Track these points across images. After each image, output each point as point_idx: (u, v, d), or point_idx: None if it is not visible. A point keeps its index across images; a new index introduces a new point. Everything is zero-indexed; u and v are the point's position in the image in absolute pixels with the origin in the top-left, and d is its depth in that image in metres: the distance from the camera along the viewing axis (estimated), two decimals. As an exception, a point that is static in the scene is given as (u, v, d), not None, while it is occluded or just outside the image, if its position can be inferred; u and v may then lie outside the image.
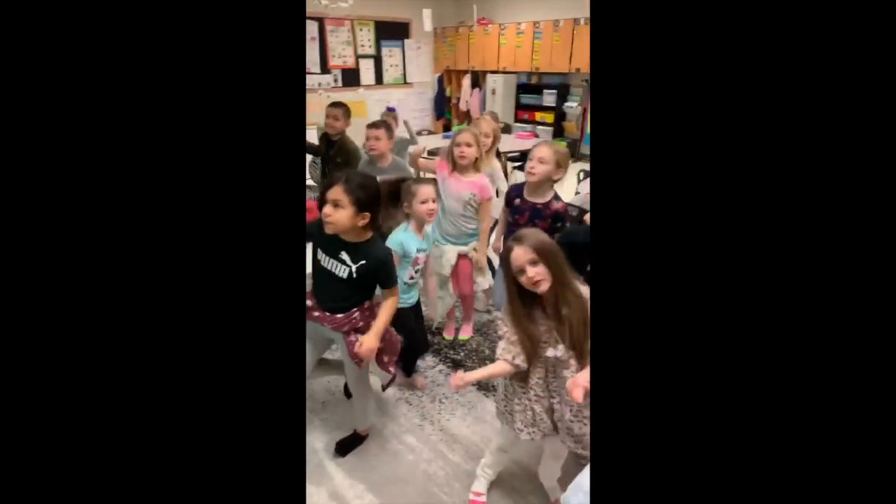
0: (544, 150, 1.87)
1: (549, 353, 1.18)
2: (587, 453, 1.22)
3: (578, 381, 1.07)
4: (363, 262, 1.43)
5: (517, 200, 1.96)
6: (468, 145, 2.00)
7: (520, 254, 1.12)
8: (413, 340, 1.93)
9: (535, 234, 1.16)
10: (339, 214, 1.33)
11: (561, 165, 1.87)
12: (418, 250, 1.79)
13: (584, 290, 1.17)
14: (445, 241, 2.20)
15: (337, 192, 1.33)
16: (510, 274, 1.15)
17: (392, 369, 1.68)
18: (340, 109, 2.63)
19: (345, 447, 1.76)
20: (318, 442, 1.80)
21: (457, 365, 2.28)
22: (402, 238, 1.76)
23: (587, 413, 1.20)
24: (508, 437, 1.41)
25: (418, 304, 1.95)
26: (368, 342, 1.43)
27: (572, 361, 1.17)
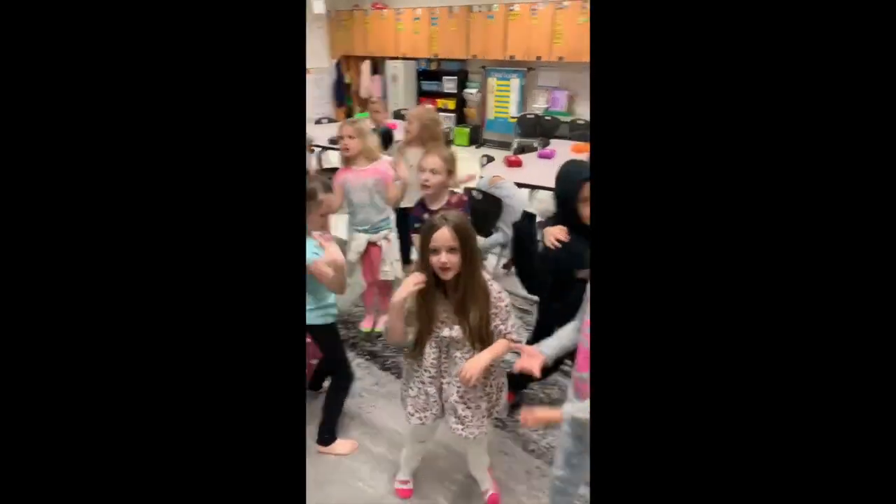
0: (434, 161, 1.78)
1: (445, 332, 1.21)
2: (466, 434, 1.27)
3: (471, 364, 1.14)
4: None
5: (425, 215, 1.84)
6: (350, 137, 2.07)
7: (444, 235, 1.12)
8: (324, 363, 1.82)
9: (460, 218, 1.16)
10: None
11: (451, 171, 1.84)
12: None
13: (486, 276, 1.21)
14: (355, 231, 2.23)
15: None
16: (426, 247, 1.15)
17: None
18: None
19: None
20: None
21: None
22: (313, 249, 1.53)
23: (471, 395, 1.25)
24: (417, 426, 1.40)
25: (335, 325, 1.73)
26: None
27: (466, 343, 1.21)
